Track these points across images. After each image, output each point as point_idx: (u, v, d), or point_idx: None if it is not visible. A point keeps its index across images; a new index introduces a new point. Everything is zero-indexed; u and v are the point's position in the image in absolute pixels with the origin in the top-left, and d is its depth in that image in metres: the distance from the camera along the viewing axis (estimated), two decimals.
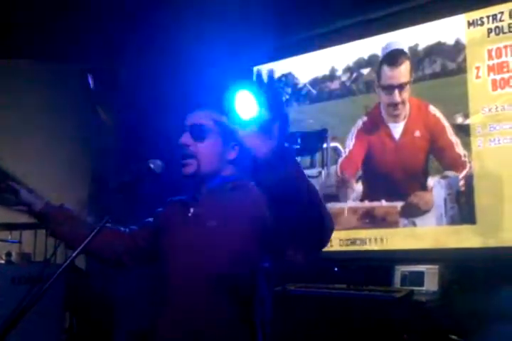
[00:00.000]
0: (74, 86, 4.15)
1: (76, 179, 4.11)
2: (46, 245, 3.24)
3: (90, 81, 3.97)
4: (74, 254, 1.11)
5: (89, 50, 3.74)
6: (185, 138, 1.43)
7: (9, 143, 3.87)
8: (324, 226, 1.07)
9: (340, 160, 3.37)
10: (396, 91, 3.18)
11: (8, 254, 3.23)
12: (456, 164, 2.91)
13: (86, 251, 1.31)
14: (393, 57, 3.23)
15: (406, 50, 3.19)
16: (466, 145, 2.89)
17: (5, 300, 2.78)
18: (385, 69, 3.25)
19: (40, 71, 4.13)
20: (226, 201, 1.39)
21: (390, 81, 3.22)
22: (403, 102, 3.16)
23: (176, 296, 1.36)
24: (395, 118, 3.19)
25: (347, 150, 3.35)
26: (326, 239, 1.13)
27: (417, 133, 3.08)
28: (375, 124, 3.26)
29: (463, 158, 2.89)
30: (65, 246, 1.57)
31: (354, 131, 3.32)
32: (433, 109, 3.04)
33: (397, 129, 3.16)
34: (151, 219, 1.61)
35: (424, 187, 3.00)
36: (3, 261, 3.23)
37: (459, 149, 2.91)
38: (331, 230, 1.12)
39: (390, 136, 3.18)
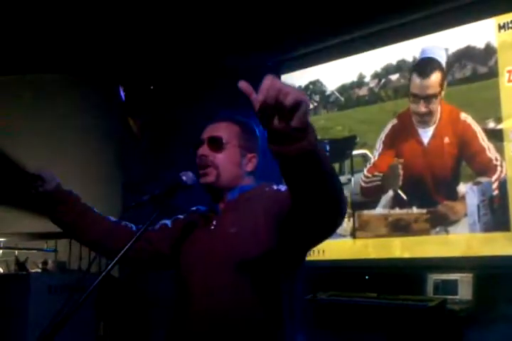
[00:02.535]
0: (105, 98, 4.24)
1: (108, 191, 4.16)
2: (81, 253, 3.31)
3: (122, 93, 4.05)
4: (110, 266, 1.14)
5: (120, 64, 3.83)
6: (203, 150, 1.45)
7: (41, 155, 3.95)
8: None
9: (367, 166, 3.35)
10: (422, 102, 3.15)
11: (45, 263, 3.32)
12: (489, 169, 2.86)
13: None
14: (424, 66, 3.19)
15: (438, 58, 3.14)
16: (499, 150, 2.84)
17: (42, 308, 2.86)
18: (415, 78, 3.22)
19: (71, 84, 4.23)
20: (243, 209, 1.41)
21: (418, 91, 3.19)
22: (430, 113, 3.12)
23: (199, 297, 1.37)
24: (424, 124, 3.15)
25: (376, 155, 3.32)
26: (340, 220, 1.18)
27: (447, 140, 3.03)
28: (404, 128, 3.23)
29: (494, 162, 2.84)
30: (65, 233, 1.54)
31: (382, 136, 3.30)
32: (464, 116, 2.99)
33: (426, 134, 3.13)
34: (168, 223, 1.59)
35: (453, 196, 2.95)
36: (39, 270, 3.32)
37: (491, 154, 2.86)
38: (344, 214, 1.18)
39: (419, 141, 3.15)
